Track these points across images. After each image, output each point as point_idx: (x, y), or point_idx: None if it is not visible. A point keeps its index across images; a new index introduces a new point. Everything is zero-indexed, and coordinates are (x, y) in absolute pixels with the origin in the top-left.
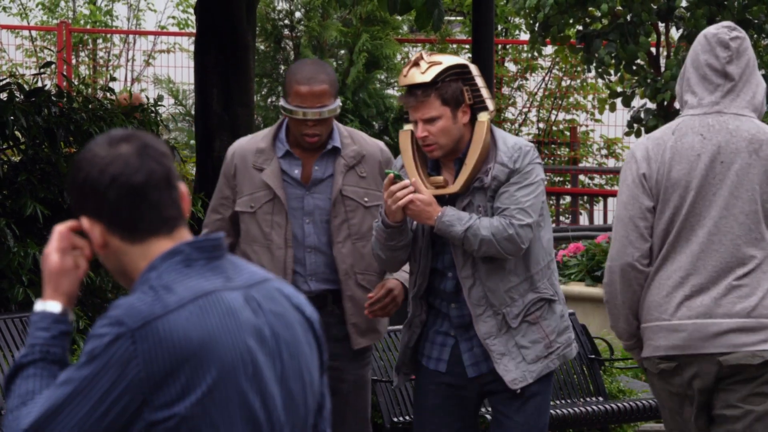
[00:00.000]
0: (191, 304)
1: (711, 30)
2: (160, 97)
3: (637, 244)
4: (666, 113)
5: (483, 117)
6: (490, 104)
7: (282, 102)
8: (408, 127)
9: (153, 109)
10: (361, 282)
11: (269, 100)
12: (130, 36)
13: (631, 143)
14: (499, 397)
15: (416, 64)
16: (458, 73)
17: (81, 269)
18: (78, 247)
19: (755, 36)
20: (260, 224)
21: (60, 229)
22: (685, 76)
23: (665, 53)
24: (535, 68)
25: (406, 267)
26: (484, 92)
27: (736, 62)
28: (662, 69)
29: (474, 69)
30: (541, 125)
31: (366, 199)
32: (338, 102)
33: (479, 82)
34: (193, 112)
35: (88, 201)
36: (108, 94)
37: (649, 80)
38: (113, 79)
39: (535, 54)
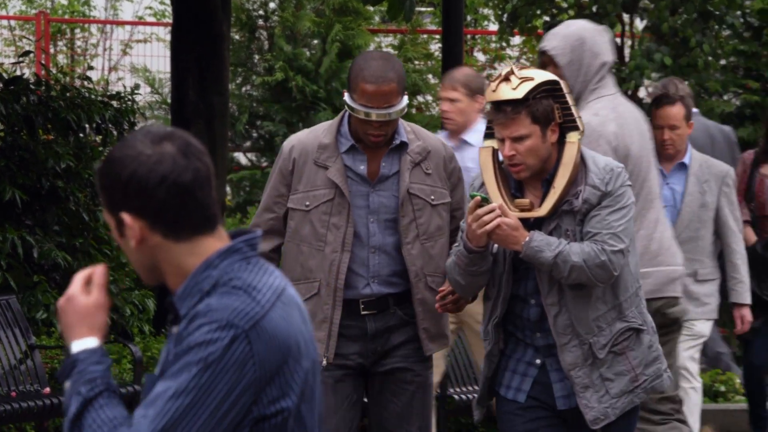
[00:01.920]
0: (278, 301)
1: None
2: (136, 86)
3: None
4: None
5: (573, 137)
6: (580, 123)
7: (346, 97)
8: (488, 143)
9: (130, 97)
10: (431, 284)
11: (243, 88)
12: (108, 26)
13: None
14: None
15: (506, 79)
16: (549, 89)
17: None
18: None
19: (716, 27)
20: (314, 224)
21: (99, 269)
22: (607, 64)
23: (630, 44)
24: (504, 58)
25: None
26: (574, 110)
27: None
28: (627, 59)
29: (564, 86)
30: None
31: (432, 197)
32: (406, 100)
33: (569, 99)
34: (169, 101)
35: (133, 198)
36: (85, 83)
37: (614, 70)
38: (91, 68)
39: (504, 44)
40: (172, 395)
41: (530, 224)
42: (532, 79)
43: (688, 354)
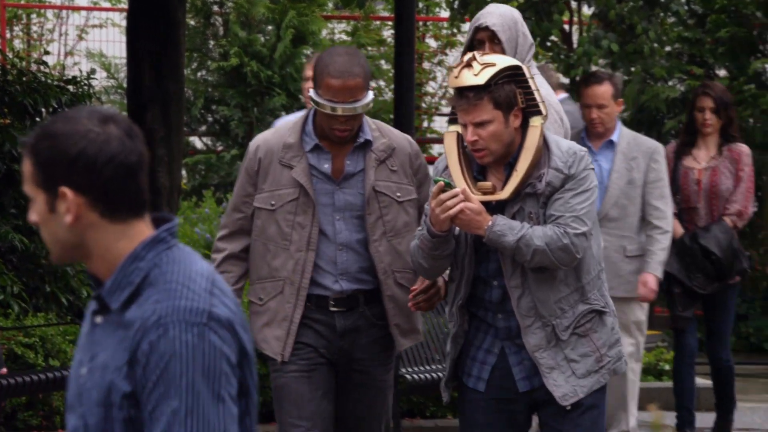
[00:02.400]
0: (213, 287)
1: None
2: (92, 71)
3: None
4: (578, 87)
5: (536, 122)
6: (543, 108)
7: (312, 93)
8: (453, 128)
9: (86, 81)
10: (400, 281)
11: (199, 74)
12: (63, 11)
13: None
14: (551, 412)
15: (468, 65)
16: (511, 74)
17: None
18: None
19: (662, 15)
20: (279, 223)
21: None
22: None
23: (578, 30)
24: (455, 44)
25: None
26: (537, 95)
27: None
28: (575, 45)
29: (527, 70)
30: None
31: (399, 194)
32: (371, 95)
33: (532, 84)
34: (125, 85)
35: (79, 175)
36: (42, 68)
37: (562, 56)
38: (47, 52)
39: (455, 30)
40: (186, 413)
41: (493, 207)
42: (494, 65)
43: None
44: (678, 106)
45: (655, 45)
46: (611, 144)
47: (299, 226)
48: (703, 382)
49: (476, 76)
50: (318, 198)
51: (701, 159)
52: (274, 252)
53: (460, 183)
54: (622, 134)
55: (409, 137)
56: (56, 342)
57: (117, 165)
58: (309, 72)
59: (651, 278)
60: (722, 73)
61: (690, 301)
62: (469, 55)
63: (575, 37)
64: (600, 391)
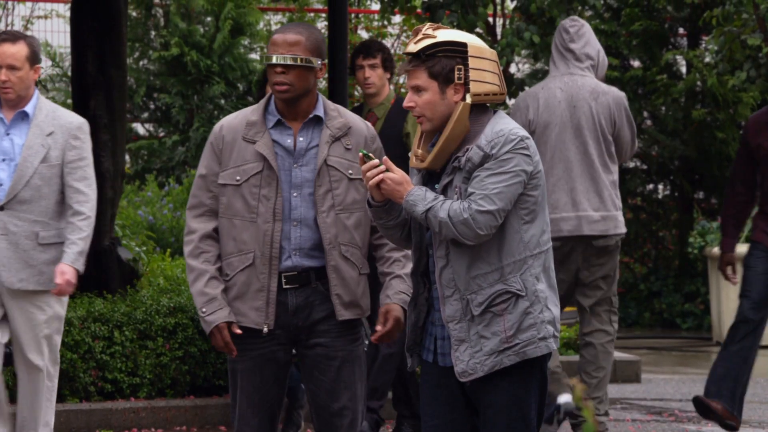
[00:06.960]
0: None
1: (562, 22)
2: None
3: None
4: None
5: (467, 99)
6: (473, 87)
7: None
8: None
9: None
10: (345, 254)
11: (141, 63)
12: (9, 2)
13: None
14: (476, 393)
15: (416, 33)
16: (456, 51)
17: None
18: None
19: (579, 8)
20: (245, 197)
21: None
22: (551, 54)
23: (501, 23)
24: (385, 36)
25: (403, 287)
26: (474, 74)
27: (577, 41)
28: (498, 37)
29: (474, 50)
30: (391, 87)
31: (350, 171)
32: (317, 61)
33: (473, 63)
34: (69, 74)
35: None
36: None
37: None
38: None
39: (386, 23)
40: None
41: (434, 179)
42: (434, 37)
43: None
44: None
45: None
46: (26, 116)
47: (265, 199)
48: (619, 354)
49: (415, 44)
50: (278, 173)
51: None
52: (241, 226)
53: (414, 148)
54: (39, 106)
55: (367, 123)
56: None
57: None
58: None
59: (68, 269)
60: (636, 63)
61: None
62: (420, 25)
63: (499, 30)
64: (518, 376)
